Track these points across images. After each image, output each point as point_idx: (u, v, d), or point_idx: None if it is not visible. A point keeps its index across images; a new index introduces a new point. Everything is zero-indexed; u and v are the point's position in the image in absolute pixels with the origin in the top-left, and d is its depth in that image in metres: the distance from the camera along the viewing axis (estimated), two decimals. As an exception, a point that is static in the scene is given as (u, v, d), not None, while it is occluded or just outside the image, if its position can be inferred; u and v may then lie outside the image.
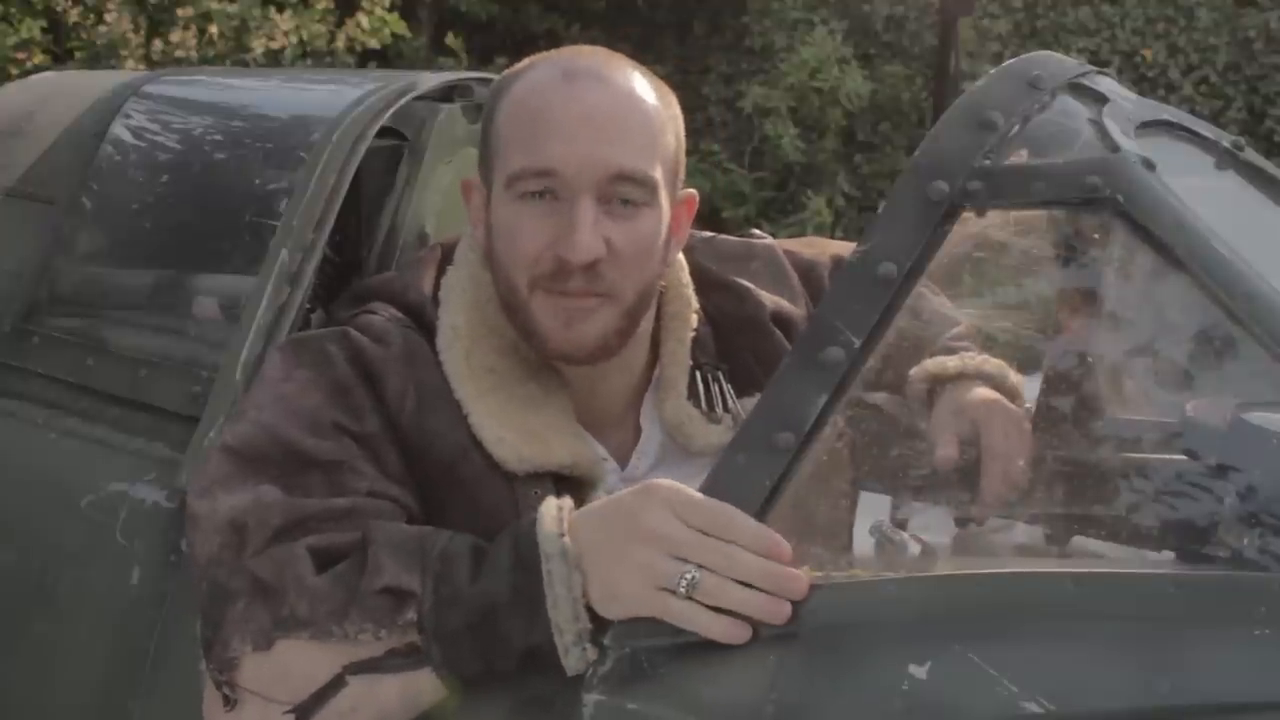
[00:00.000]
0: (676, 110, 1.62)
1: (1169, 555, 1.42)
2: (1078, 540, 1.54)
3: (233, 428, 1.52)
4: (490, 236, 1.59)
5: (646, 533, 1.31)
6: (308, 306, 1.78)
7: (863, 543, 1.59)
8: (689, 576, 1.29)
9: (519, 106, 1.56)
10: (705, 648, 1.31)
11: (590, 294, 1.53)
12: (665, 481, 1.35)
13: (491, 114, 1.60)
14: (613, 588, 1.32)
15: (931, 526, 1.60)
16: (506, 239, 1.55)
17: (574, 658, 1.33)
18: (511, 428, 1.53)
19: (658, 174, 1.55)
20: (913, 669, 1.25)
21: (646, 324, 1.64)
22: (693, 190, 1.66)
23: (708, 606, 1.29)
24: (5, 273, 1.98)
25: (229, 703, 1.42)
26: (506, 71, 1.63)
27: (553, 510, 1.37)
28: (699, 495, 1.33)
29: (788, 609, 1.29)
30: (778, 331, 1.72)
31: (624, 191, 1.53)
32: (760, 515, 1.32)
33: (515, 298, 1.56)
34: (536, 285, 1.54)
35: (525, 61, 1.62)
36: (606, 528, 1.33)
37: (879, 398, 1.56)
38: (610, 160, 1.51)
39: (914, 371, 1.63)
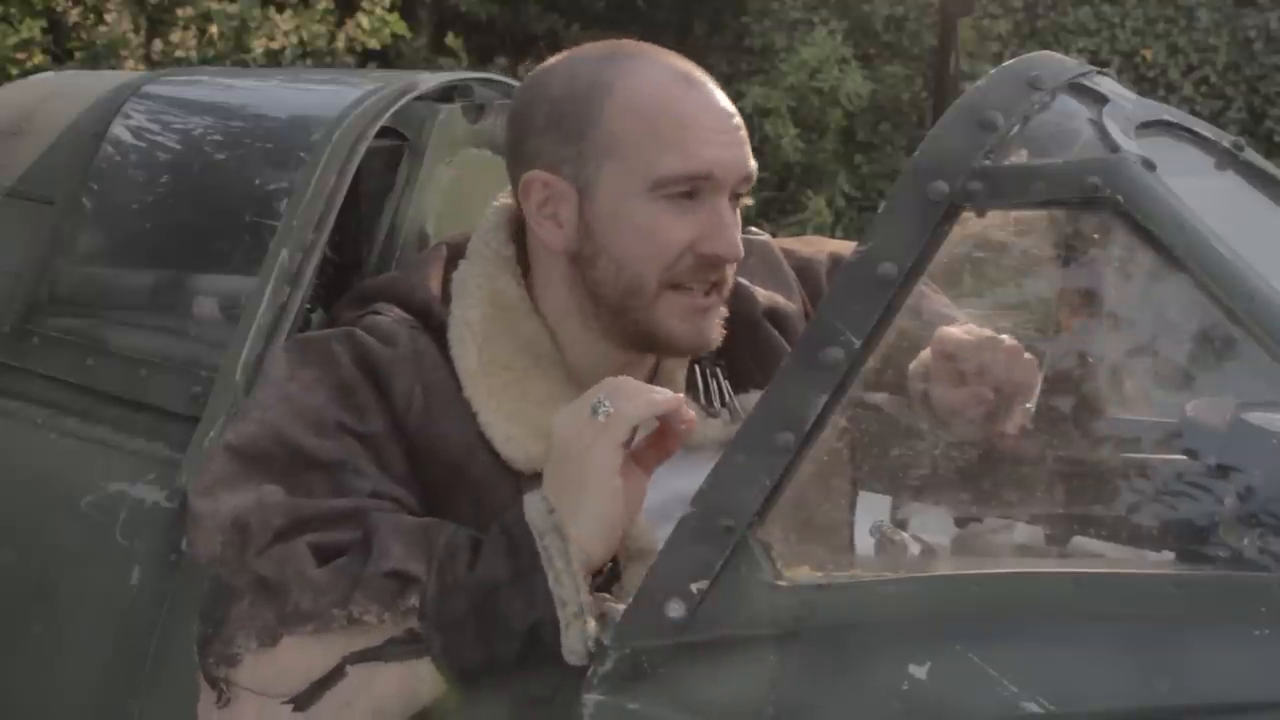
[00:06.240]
0: None
1: (1169, 555, 1.42)
2: (1078, 540, 1.54)
3: (236, 427, 1.52)
4: (599, 235, 1.56)
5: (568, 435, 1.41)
6: (308, 307, 1.78)
7: (863, 543, 1.59)
8: (600, 404, 1.40)
9: (649, 108, 1.54)
10: (705, 648, 1.31)
11: (713, 291, 1.58)
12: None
13: (591, 113, 1.55)
14: (581, 478, 1.38)
15: (931, 526, 1.60)
16: (640, 237, 1.55)
17: (574, 633, 1.34)
18: (521, 425, 1.54)
19: None
20: (913, 669, 1.25)
21: None
22: None
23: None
24: (5, 273, 1.98)
25: (223, 699, 1.42)
26: (587, 63, 1.59)
27: (538, 495, 1.41)
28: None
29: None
30: (773, 327, 1.72)
31: (743, 189, 1.59)
32: (760, 515, 1.33)
33: (638, 296, 1.56)
34: (669, 283, 1.56)
35: (599, 50, 1.61)
36: (557, 473, 1.42)
37: (879, 398, 1.56)
38: (746, 162, 1.58)
39: (913, 366, 1.63)
